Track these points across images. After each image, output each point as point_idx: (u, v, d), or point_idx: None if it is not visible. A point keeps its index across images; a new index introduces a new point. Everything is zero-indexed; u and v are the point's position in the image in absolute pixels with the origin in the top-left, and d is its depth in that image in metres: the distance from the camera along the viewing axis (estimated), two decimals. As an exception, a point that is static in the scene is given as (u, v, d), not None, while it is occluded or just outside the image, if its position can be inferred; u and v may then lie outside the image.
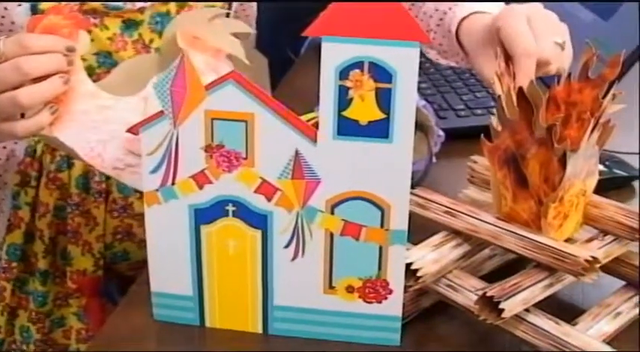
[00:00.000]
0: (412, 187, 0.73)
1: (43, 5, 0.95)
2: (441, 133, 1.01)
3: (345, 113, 0.70)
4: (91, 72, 0.97)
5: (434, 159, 0.99)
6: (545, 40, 0.88)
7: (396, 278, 0.74)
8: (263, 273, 0.76)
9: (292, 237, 0.75)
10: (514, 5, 0.92)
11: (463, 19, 0.97)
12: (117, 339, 0.79)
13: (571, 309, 0.80)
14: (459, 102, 1.21)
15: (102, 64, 0.99)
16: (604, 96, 0.76)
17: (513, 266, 0.82)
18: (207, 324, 0.79)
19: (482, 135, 0.78)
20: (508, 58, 0.87)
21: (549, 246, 0.74)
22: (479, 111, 1.19)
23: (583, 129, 0.76)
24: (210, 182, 0.74)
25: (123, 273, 1.10)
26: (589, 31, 1.19)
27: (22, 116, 0.80)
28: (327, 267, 0.75)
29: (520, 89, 0.74)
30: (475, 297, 0.73)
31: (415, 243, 0.78)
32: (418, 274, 0.75)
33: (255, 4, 1.15)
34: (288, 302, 0.77)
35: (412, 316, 0.79)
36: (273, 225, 0.74)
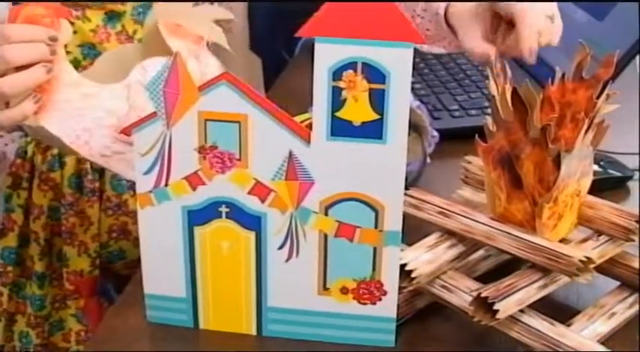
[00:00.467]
0: (406, 188, 0.73)
1: None
2: (435, 134, 1.01)
3: (338, 114, 0.70)
4: (76, 64, 0.97)
5: (428, 160, 0.99)
6: (537, 13, 0.91)
7: (390, 280, 0.74)
8: (257, 275, 0.76)
9: (286, 239, 0.74)
10: None
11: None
12: (112, 340, 0.79)
13: (566, 310, 0.79)
14: (453, 102, 1.21)
15: (87, 56, 0.99)
16: (598, 97, 0.76)
17: (508, 267, 0.82)
18: (201, 326, 0.79)
19: (476, 135, 0.78)
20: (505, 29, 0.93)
21: (544, 246, 0.74)
22: (473, 112, 1.18)
23: (577, 129, 0.75)
24: (204, 183, 0.74)
25: (119, 272, 1.10)
26: (584, 31, 1.19)
27: (8, 107, 0.79)
28: (321, 269, 0.75)
29: (514, 89, 0.74)
30: (470, 298, 0.73)
31: (409, 244, 0.78)
32: (412, 275, 0.75)
33: (243, 3, 1.15)
34: (283, 303, 0.77)
35: (407, 317, 0.79)
36: (267, 227, 0.74)
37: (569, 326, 0.75)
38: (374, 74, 0.68)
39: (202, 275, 0.77)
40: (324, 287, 0.76)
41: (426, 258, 0.77)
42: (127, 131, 0.74)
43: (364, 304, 0.76)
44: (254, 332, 0.79)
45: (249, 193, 0.73)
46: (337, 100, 0.69)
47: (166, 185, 0.74)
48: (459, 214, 0.79)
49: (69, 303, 1.08)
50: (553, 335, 0.73)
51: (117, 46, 1.00)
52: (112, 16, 1.00)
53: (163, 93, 0.71)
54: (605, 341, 0.75)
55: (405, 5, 1.07)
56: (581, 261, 0.72)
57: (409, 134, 0.70)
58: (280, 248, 0.75)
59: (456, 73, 1.30)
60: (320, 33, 0.68)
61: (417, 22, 1.03)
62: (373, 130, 0.70)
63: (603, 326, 0.76)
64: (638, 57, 1.14)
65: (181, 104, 0.71)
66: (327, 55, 0.68)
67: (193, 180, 0.74)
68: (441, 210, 0.81)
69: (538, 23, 0.91)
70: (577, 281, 0.73)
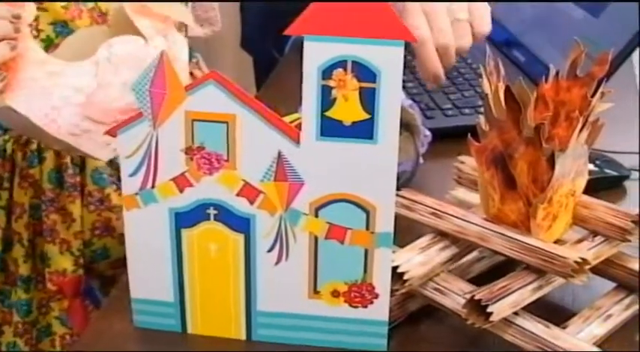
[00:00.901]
0: (399, 188, 0.72)
1: None
2: (428, 133, 1.00)
3: (328, 113, 0.69)
4: (49, 43, 0.96)
5: (421, 160, 0.98)
6: (439, 24, 0.92)
7: (382, 282, 0.73)
8: (246, 278, 0.75)
9: (275, 241, 0.73)
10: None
11: None
12: (98, 345, 0.78)
13: (561, 312, 0.79)
14: (446, 101, 1.20)
15: (59, 34, 0.97)
16: (593, 95, 0.75)
17: (502, 268, 0.81)
18: (189, 331, 0.78)
19: (469, 134, 0.77)
20: None
21: (538, 247, 0.73)
22: (466, 111, 1.17)
23: (572, 128, 0.75)
24: (191, 185, 0.72)
25: (104, 273, 1.08)
26: (581, 28, 1.19)
27: None
28: (311, 271, 0.74)
29: (507, 88, 0.73)
30: (463, 301, 0.73)
31: (401, 246, 0.77)
32: (405, 277, 0.74)
33: (233, 3, 1.14)
34: (272, 307, 0.76)
35: (399, 320, 0.78)
36: (256, 229, 0.73)
37: (564, 328, 0.74)
38: (364, 73, 0.67)
39: (190, 278, 0.76)
40: (315, 291, 0.75)
41: (418, 259, 0.76)
42: (112, 132, 0.72)
43: (355, 307, 0.75)
44: (243, 336, 0.77)
45: (237, 195, 0.72)
46: (327, 99, 0.68)
47: (153, 187, 0.73)
48: (452, 215, 0.79)
49: (52, 305, 1.06)
50: (548, 337, 0.72)
51: (89, 22, 0.98)
52: None
53: (149, 93, 0.70)
54: (601, 344, 0.74)
55: None
56: (576, 262, 0.71)
57: (401, 133, 0.70)
58: (270, 250, 0.74)
59: (449, 71, 1.28)
60: (309, 31, 0.67)
61: None
62: (364, 130, 0.69)
63: (599, 328, 0.76)
64: (634, 54, 1.13)
65: (168, 104, 0.70)
66: (317, 53, 0.67)
67: (180, 182, 0.73)
68: (434, 210, 0.80)
69: (439, 37, 0.90)
70: (572, 283, 0.72)
